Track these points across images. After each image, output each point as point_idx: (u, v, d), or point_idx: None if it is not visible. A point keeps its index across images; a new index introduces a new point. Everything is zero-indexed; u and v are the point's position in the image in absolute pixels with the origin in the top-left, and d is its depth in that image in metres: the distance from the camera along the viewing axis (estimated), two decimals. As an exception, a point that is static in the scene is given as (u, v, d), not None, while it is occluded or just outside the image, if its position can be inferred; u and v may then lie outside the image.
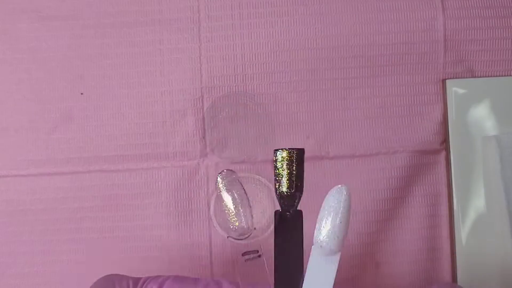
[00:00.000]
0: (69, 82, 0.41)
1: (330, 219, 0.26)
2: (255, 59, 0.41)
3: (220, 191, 0.28)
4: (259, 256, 0.30)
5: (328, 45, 0.41)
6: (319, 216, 0.26)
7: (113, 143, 0.41)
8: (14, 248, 0.41)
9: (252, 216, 0.28)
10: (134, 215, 0.41)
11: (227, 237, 0.29)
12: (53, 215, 0.41)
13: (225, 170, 0.28)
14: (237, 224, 0.28)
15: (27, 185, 0.41)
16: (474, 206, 0.40)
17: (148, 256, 0.41)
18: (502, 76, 0.41)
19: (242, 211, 0.28)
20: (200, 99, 0.41)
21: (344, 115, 0.41)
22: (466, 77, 0.41)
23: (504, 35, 0.41)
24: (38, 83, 0.41)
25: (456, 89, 0.41)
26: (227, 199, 0.28)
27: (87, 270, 0.41)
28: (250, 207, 0.28)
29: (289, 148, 0.27)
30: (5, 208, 0.41)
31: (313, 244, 0.26)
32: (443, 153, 0.41)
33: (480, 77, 0.41)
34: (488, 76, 0.41)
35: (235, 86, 0.41)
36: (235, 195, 0.28)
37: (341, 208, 0.25)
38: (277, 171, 0.27)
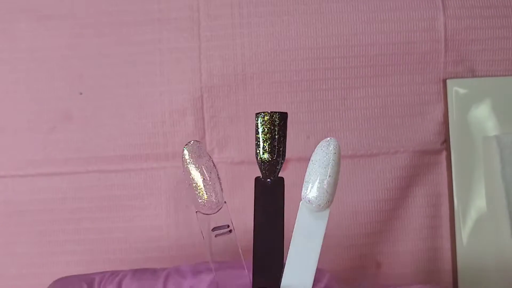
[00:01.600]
0: (67, 81, 0.41)
1: (318, 173, 0.24)
2: (255, 58, 0.41)
3: (188, 165, 0.26)
4: (230, 231, 0.28)
5: (328, 45, 0.41)
6: (307, 171, 0.25)
7: (112, 143, 0.41)
8: (13, 249, 0.41)
9: (221, 189, 0.26)
10: (133, 216, 0.41)
11: (196, 212, 0.27)
12: (52, 215, 0.41)
13: (192, 141, 0.26)
14: (206, 198, 0.26)
15: (25, 186, 0.41)
16: (475, 206, 0.40)
17: (148, 257, 0.41)
18: (503, 76, 0.41)
19: (211, 184, 0.26)
20: (200, 99, 0.41)
21: (344, 115, 0.41)
22: (467, 77, 0.41)
23: (506, 35, 0.41)
24: (37, 82, 0.41)
25: (457, 89, 0.40)
26: (195, 172, 0.26)
27: (86, 271, 0.40)
28: (219, 179, 0.26)
29: (271, 111, 0.26)
30: (3, 209, 0.41)
31: (301, 200, 0.25)
32: (444, 153, 0.41)
33: (481, 77, 0.41)
34: (489, 76, 0.41)
35: (235, 85, 0.41)
36: (203, 168, 0.26)
37: (331, 162, 0.24)
38: (258, 135, 0.26)
